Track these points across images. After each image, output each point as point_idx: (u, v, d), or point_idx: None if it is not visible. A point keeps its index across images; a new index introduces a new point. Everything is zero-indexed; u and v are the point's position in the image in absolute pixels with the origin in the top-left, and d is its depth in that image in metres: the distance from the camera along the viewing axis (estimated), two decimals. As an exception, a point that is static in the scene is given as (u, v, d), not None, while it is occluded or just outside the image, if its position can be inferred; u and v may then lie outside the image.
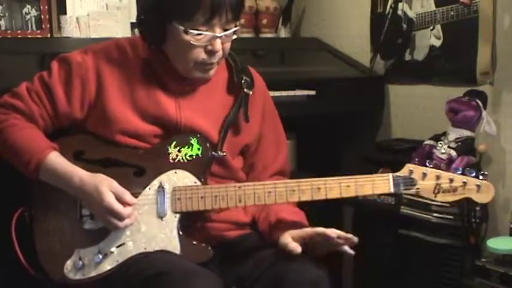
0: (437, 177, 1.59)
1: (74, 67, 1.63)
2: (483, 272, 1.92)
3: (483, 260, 1.95)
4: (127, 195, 1.54)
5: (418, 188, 1.60)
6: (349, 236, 1.57)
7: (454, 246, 2.04)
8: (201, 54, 1.58)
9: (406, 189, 1.60)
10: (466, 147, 2.07)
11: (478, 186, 1.59)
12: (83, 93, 1.62)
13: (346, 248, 1.59)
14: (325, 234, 1.57)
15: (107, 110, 1.61)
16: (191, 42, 1.55)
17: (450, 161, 2.04)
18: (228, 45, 1.62)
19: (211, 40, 1.56)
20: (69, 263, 1.57)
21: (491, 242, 1.95)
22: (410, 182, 1.60)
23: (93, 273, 1.56)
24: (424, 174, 1.59)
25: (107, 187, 1.53)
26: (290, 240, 1.59)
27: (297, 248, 1.56)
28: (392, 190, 1.60)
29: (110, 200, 1.52)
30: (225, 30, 1.57)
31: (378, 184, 1.60)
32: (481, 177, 1.60)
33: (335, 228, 1.60)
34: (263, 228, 1.73)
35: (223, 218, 1.69)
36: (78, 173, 1.56)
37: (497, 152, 2.15)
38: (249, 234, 1.75)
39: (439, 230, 2.06)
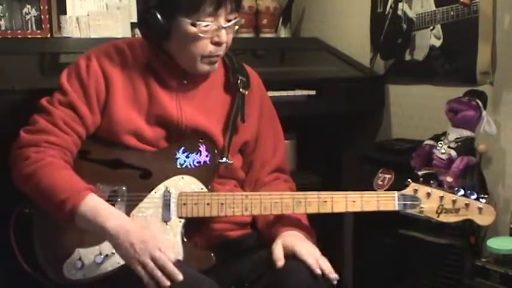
0: (441, 198, 1.63)
1: (83, 77, 1.62)
2: (483, 272, 1.91)
3: (483, 260, 1.95)
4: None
5: (422, 207, 1.64)
6: (331, 276, 1.55)
7: (454, 246, 2.04)
8: (208, 47, 1.60)
9: (410, 208, 1.64)
10: (466, 147, 2.06)
11: (480, 208, 1.63)
12: (98, 99, 1.62)
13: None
14: (311, 267, 1.54)
15: (113, 112, 1.62)
16: (199, 34, 1.56)
17: (450, 161, 2.04)
18: (231, 36, 1.63)
19: (217, 31, 1.58)
20: (68, 263, 1.56)
21: (491, 242, 1.95)
22: (414, 201, 1.64)
23: (93, 274, 1.56)
24: (428, 194, 1.64)
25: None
26: (277, 248, 1.58)
27: (278, 261, 1.55)
28: (397, 208, 1.64)
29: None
30: (228, 21, 1.59)
31: (383, 201, 1.64)
32: (482, 200, 1.63)
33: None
34: (261, 226, 1.74)
35: (226, 219, 1.69)
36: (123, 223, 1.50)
37: (497, 152, 2.15)
38: (250, 234, 1.76)
39: (439, 230, 2.06)
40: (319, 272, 1.54)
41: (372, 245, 2.27)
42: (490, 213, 1.64)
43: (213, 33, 1.58)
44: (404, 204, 1.63)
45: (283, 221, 1.67)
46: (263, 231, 1.73)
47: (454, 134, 2.09)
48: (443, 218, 1.64)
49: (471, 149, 2.07)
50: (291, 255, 1.57)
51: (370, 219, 2.27)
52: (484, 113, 2.08)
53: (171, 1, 1.55)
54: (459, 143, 2.06)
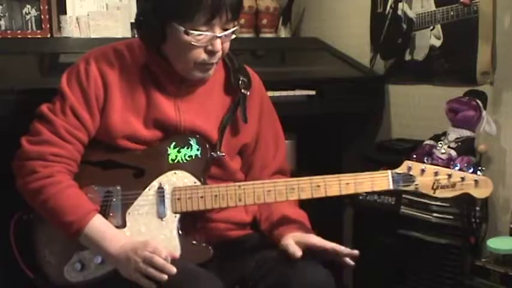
0: (436, 173, 1.62)
1: (83, 81, 1.62)
2: (483, 272, 1.91)
3: (483, 260, 1.95)
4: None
5: (416, 184, 1.62)
6: (349, 252, 1.58)
7: (454, 246, 2.04)
8: (202, 55, 1.58)
9: (405, 185, 1.63)
10: (466, 147, 2.06)
11: (476, 181, 1.62)
12: (97, 102, 1.62)
13: (347, 259, 1.59)
14: (326, 249, 1.58)
15: (110, 116, 1.62)
16: (192, 42, 1.55)
17: (450, 161, 2.04)
18: (227, 45, 1.62)
19: (211, 40, 1.57)
20: (69, 266, 1.58)
21: (491, 242, 1.95)
22: (409, 178, 1.62)
23: (93, 275, 1.57)
24: (423, 171, 1.62)
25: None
26: (291, 243, 1.59)
27: (297, 252, 1.57)
28: (391, 187, 1.62)
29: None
30: (225, 30, 1.58)
31: (377, 181, 1.62)
32: (479, 172, 1.62)
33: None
34: (265, 228, 1.73)
35: (224, 218, 1.69)
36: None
37: (497, 152, 2.14)
38: (251, 234, 1.76)
39: (439, 230, 2.06)
40: (345, 251, 1.56)
41: (372, 245, 2.26)
42: (486, 185, 1.62)
43: (207, 42, 1.57)
44: (398, 182, 1.62)
45: (287, 223, 1.67)
46: (267, 233, 1.72)
47: (454, 134, 2.09)
48: (440, 194, 1.62)
49: (471, 149, 2.07)
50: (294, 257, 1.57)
51: (370, 219, 2.29)
52: (484, 113, 2.08)
53: (166, 7, 1.54)
54: (459, 143, 2.06)
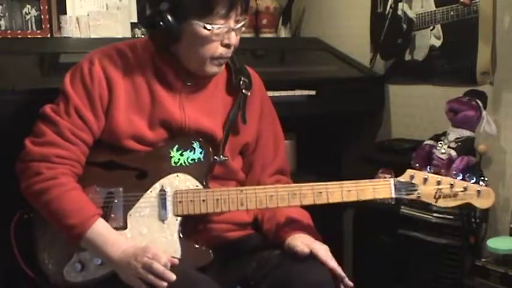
0: (438, 183, 1.61)
1: (87, 81, 1.61)
2: (483, 272, 1.91)
3: (483, 260, 1.95)
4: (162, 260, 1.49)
5: (419, 193, 1.62)
6: (345, 281, 1.59)
7: (454, 246, 2.04)
8: (219, 49, 1.60)
9: (407, 194, 1.62)
10: (466, 147, 2.06)
11: (479, 191, 1.61)
12: (102, 103, 1.61)
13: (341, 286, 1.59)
14: (327, 264, 1.58)
15: (115, 116, 1.61)
16: (211, 37, 1.56)
17: (450, 161, 2.04)
18: (238, 38, 1.64)
19: (227, 33, 1.59)
20: (69, 266, 1.57)
21: (491, 242, 1.95)
22: (411, 187, 1.62)
23: (93, 276, 1.57)
24: (425, 180, 1.62)
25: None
26: (299, 244, 1.59)
27: (305, 249, 1.58)
28: (393, 195, 1.62)
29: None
30: (237, 22, 1.60)
31: (379, 189, 1.62)
32: (481, 182, 1.62)
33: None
34: (269, 228, 1.73)
35: (225, 219, 1.69)
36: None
37: (497, 152, 2.15)
38: (252, 235, 1.75)
39: (439, 230, 2.06)
40: (342, 276, 1.58)
41: (372, 245, 2.27)
42: (489, 195, 1.62)
43: (223, 35, 1.58)
44: (400, 190, 1.62)
45: (292, 223, 1.68)
46: (270, 233, 1.72)
47: (454, 134, 2.09)
48: (442, 203, 1.62)
49: (471, 149, 2.08)
50: (299, 256, 1.58)
51: (370, 219, 2.29)
52: (484, 113, 2.08)
53: (184, 4, 1.54)
54: (459, 143, 2.07)
